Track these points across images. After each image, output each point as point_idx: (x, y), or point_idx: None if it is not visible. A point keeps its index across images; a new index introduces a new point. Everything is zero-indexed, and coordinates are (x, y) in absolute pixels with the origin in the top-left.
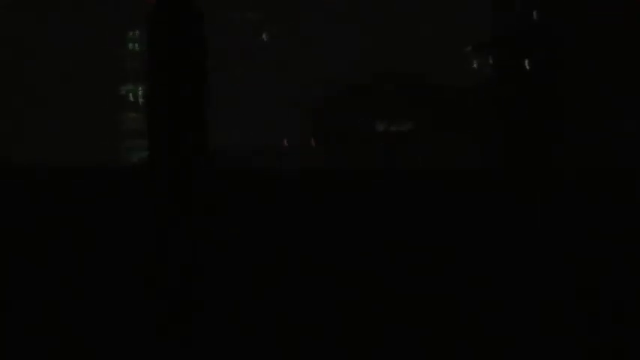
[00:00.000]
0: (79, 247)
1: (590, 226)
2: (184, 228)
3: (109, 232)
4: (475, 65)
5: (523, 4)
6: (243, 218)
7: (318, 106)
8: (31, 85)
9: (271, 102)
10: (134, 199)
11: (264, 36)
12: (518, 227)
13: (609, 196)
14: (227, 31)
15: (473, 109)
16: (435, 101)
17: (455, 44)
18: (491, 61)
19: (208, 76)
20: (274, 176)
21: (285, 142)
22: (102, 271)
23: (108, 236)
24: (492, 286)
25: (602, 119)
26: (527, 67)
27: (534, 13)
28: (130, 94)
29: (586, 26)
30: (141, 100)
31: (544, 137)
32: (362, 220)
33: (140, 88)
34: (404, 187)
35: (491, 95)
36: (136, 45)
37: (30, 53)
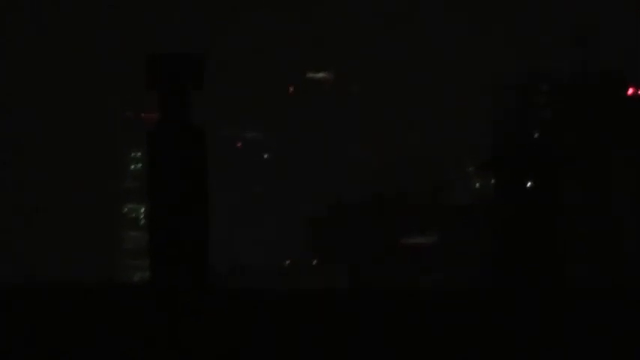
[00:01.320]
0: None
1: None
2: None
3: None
4: (477, 186)
5: (522, 124)
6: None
7: (318, 225)
8: (33, 202)
9: (272, 219)
10: (132, 319)
11: (265, 155)
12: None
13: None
14: (228, 148)
15: (476, 227)
16: (442, 221)
17: (459, 164)
18: (492, 181)
19: (209, 194)
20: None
21: (287, 262)
22: None
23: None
24: None
25: (604, 239)
26: (527, 187)
27: (535, 133)
28: (133, 214)
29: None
30: (141, 219)
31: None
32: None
33: (142, 208)
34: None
35: (491, 214)
36: (139, 165)
37: (34, 166)
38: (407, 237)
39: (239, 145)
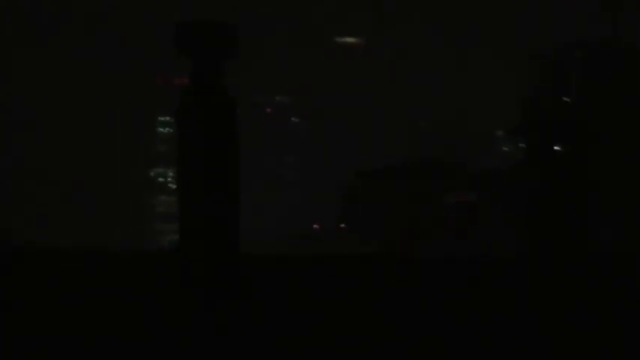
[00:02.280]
0: (110, 331)
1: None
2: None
3: (143, 316)
4: (506, 149)
5: (555, 89)
6: (270, 304)
7: (349, 190)
8: (61, 165)
9: (304, 186)
10: (164, 284)
11: (293, 119)
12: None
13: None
14: (258, 115)
15: (504, 193)
16: (470, 185)
17: (486, 129)
18: (521, 145)
19: (240, 162)
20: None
21: (316, 226)
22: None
23: (140, 320)
24: None
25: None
26: (557, 152)
27: (567, 98)
28: (160, 178)
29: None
30: (170, 183)
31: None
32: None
33: (170, 172)
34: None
35: (520, 179)
36: (167, 129)
37: (60, 136)
38: (449, 197)
39: (269, 110)
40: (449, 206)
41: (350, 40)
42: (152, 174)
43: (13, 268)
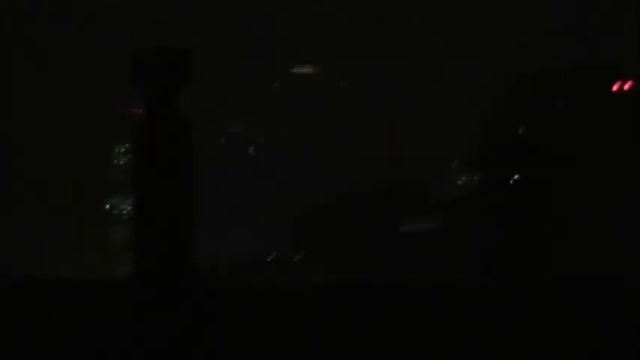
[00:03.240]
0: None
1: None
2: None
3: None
4: (461, 181)
5: (512, 120)
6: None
7: (303, 216)
8: (9, 192)
9: (255, 212)
10: (119, 314)
11: (250, 150)
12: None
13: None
14: (213, 144)
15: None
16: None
17: (442, 160)
18: (476, 177)
19: (195, 189)
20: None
21: (271, 256)
22: None
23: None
24: None
25: (594, 230)
26: (515, 181)
27: (522, 129)
28: (117, 209)
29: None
30: (126, 214)
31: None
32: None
33: (126, 202)
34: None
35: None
36: (122, 161)
37: (15, 161)
38: (404, 225)
39: (222, 141)
40: (405, 234)
41: (306, 69)
42: (108, 205)
43: None
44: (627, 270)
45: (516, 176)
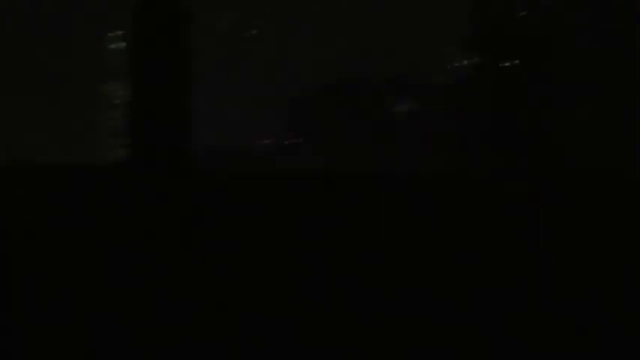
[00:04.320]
0: (65, 247)
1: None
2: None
3: (94, 230)
4: (457, 64)
5: (506, 3)
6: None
7: (294, 105)
8: (6, 80)
9: (246, 101)
10: (117, 197)
11: (248, 34)
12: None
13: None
14: (201, 31)
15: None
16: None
17: (436, 43)
18: (470, 61)
19: (192, 76)
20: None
21: (267, 141)
22: (89, 269)
23: (93, 235)
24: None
25: (584, 122)
26: (507, 66)
27: (517, 12)
28: (113, 93)
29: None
30: (118, 99)
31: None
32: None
33: (120, 88)
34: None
35: (470, 92)
36: (120, 44)
37: (7, 47)
38: (399, 106)
39: (223, 24)
40: (400, 116)
41: None
42: (102, 90)
43: None
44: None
45: (516, 61)
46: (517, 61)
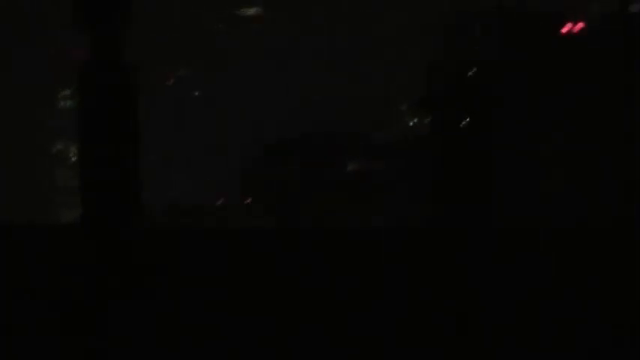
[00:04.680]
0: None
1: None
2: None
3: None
4: (411, 123)
5: (458, 64)
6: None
7: (250, 162)
8: None
9: (202, 159)
10: (66, 257)
11: (196, 93)
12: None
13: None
14: (158, 88)
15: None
16: (369, 154)
17: (390, 103)
18: (426, 120)
19: (141, 132)
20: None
21: (219, 201)
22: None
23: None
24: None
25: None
26: (461, 125)
27: (470, 72)
28: (63, 152)
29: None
30: (72, 157)
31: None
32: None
33: (72, 146)
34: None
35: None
36: (67, 103)
37: None
38: (350, 165)
39: (170, 81)
40: (351, 174)
41: (250, 10)
42: (54, 149)
43: None
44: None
45: (467, 119)
46: (468, 118)
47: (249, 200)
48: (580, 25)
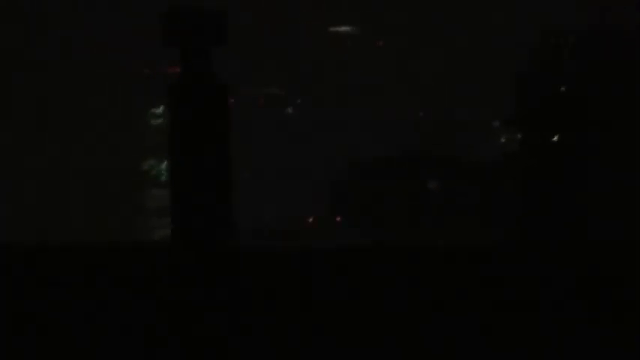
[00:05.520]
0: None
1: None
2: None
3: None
4: (503, 140)
5: (548, 79)
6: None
7: (341, 180)
8: (53, 156)
9: (293, 176)
10: (157, 277)
11: (289, 109)
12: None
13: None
14: (251, 104)
15: (496, 183)
16: (460, 175)
17: (482, 120)
18: (518, 136)
19: (229, 149)
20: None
21: (310, 219)
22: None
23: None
24: None
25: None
26: (553, 142)
27: (563, 87)
28: (154, 170)
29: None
30: (163, 176)
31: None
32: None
33: (162, 164)
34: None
35: (515, 169)
36: (159, 120)
37: (51, 122)
38: (435, 185)
39: (261, 101)
40: (433, 194)
41: (344, 29)
42: (145, 167)
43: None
44: None
45: (555, 137)
46: (558, 136)
47: (339, 218)
48: None
